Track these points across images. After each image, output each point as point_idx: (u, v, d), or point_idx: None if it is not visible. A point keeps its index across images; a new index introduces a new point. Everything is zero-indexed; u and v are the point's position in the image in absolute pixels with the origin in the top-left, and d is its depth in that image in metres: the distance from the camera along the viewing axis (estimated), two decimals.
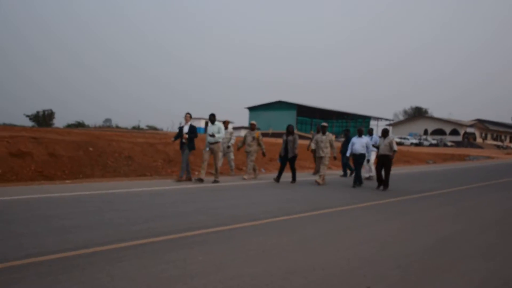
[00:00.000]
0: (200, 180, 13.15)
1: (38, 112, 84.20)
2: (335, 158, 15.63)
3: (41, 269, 4.59)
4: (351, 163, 16.93)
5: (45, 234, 6.13)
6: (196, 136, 13.67)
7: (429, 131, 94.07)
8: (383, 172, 13.68)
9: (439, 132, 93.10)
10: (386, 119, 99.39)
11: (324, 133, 15.07)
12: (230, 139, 15.99)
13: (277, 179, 14.59)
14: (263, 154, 16.00)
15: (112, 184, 11.75)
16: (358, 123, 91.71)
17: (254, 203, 10.06)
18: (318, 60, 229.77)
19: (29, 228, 6.46)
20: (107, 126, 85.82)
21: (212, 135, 13.21)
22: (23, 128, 29.83)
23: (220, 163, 15.07)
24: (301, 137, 47.95)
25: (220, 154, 14.21)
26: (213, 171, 14.33)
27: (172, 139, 14.64)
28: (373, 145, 14.97)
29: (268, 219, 7.97)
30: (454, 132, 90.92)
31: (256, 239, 6.50)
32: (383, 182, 13.68)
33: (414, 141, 72.74)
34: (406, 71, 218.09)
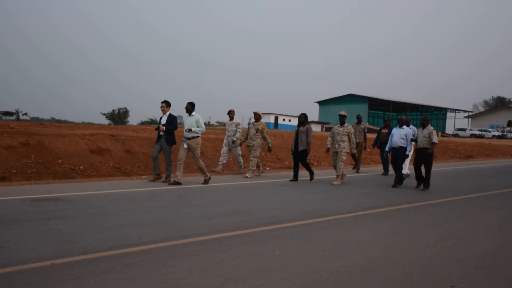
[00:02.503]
0: (177, 183, 11.04)
1: (113, 111, 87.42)
2: (353, 154, 13.52)
3: (126, 260, 4.82)
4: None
5: (126, 227, 6.41)
6: (175, 128, 11.65)
7: None
8: (422, 169, 12.00)
9: None
10: (465, 111, 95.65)
11: (342, 124, 12.85)
12: (235, 131, 13.93)
13: (294, 178, 12.92)
14: (269, 149, 14.28)
15: (185, 179, 11.98)
16: (434, 116, 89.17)
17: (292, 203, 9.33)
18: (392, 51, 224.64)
19: (111, 221, 6.76)
20: (179, 122, 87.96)
21: (189, 130, 11.28)
22: (101, 126, 31.00)
23: (225, 159, 14.06)
24: (373, 131, 47.20)
25: (198, 152, 11.49)
26: (216, 169, 13.74)
27: (155, 128, 12.15)
28: (411, 139, 12.59)
29: (326, 217, 7.79)
30: None
31: (332, 234, 6.47)
32: (423, 180, 12.02)
33: (497, 133, 69.65)
34: (493, 61, 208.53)
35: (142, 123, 73.26)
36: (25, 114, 62.38)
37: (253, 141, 13.52)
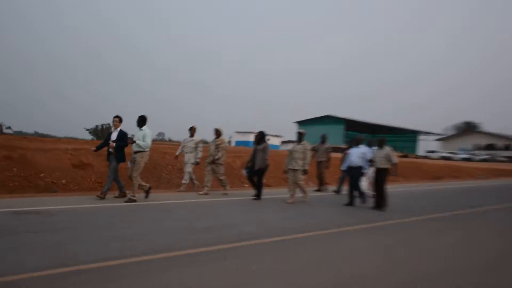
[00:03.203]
0: (131, 200, 10.41)
1: (97, 126, 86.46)
2: (305, 172, 12.34)
3: (107, 272, 4.96)
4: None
5: (107, 241, 6.46)
6: (126, 144, 10.76)
7: (481, 145, 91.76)
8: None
9: (490, 147, 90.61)
10: (435, 134, 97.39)
11: (300, 141, 12.22)
12: (196, 148, 13.41)
13: (257, 196, 12.41)
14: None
15: (166, 196, 12.16)
16: (407, 137, 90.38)
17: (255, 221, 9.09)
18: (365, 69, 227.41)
19: (92, 235, 6.85)
20: (160, 139, 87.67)
21: (133, 142, 10.64)
22: (85, 141, 30.81)
23: (187, 176, 13.41)
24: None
25: (140, 166, 10.68)
26: (181, 188, 13.37)
27: (93, 148, 11.52)
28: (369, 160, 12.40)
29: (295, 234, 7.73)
30: (507, 148, 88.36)
31: (306, 250, 6.76)
32: (379, 200, 11.71)
33: (464, 155, 71.15)
34: (461, 87, 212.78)
35: None
36: (9, 127, 61.39)
37: (213, 157, 13.04)
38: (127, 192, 10.99)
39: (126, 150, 11.07)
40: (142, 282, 4.63)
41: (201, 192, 12.95)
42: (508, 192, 20.78)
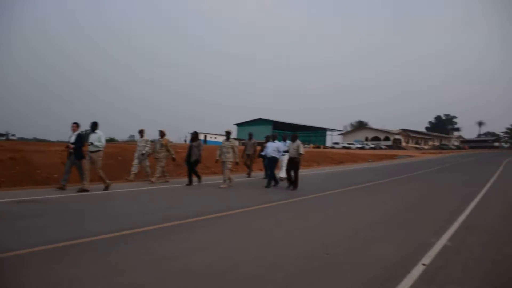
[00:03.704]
0: (84, 190, 9.69)
1: (81, 131, 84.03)
2: (237, 163, 12.26)
3: (91, 246, 4.66)
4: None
5: (88, 222, 6.15)
6: (83, 145, 10.15)
7: (369, 138, 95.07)
8: (292, 173, 11.44)
9: (376, 139, 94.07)
10: (338, 130, 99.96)
11: (228, 139, 11.93)
12: (145, 146, 12.73)
13: (189, 183, 11.93)
14: (173, 159, 12.97)
15: (134, 184, 11.74)
16: (318, 133, 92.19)
17: (200, 202, 8.71)
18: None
19: (77, 217, 6.49)
20: (132, 140, 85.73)
21: (91, 144, 10.09)
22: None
23: (136, 169, 12.66)
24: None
25: (99, 163, 10.09)
26: (129, 177, 12.49)
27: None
28: (285, 151, 12.30)
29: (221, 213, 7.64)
30: (386, 139, 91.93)
31: (243, 222, 6.60)
32: (293, 182, 11.39)
33: (359, 145, 73.42)
34: (355, 94, 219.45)
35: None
36: (14, 135, 58.70)
37: (159, 154, 12.49)
38: (82, 183, 9.93)
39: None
40: (117, 251, 4.41)
41: (152, 179, 12.24)
42: (388, 171, 21.48)
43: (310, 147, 63.98)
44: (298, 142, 11.43)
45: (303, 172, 19.20)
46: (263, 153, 13.36)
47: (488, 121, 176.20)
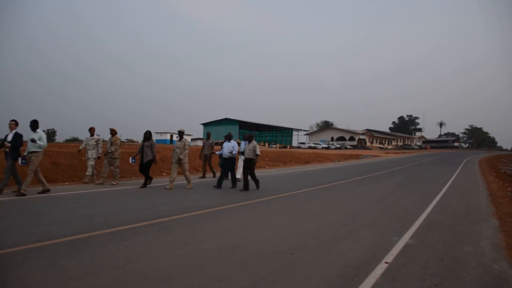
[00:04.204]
0: (21, 194, 8.79)
1: (43, 130, 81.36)
2: (179, 160, 11.22)
3: (48, 249, 4.47)
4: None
5: (50, 224, 5.89)
6: (21, 144, 9.38)
7: (335, 138, 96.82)
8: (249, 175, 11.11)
9: (341, 139, 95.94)
10: (304, 130, 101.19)
11: (181, 139, 11.37)
12: (96, 147, 12.04)
13: (144, 185, 11.29)
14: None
15: (71, 187, 11.31)
16: (284, 133, 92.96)
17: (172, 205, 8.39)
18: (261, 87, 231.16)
19: (39, 220, 6.20)
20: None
21: (33, 141, 9.19)
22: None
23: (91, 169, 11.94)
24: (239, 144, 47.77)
25: (36, 164, 9.22)
26: (85, 179, 11.85)
27: None
28: (239, 151, 12.04)
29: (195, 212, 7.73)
30: (352, 139, 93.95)
31: (205, 223, 6.52)
32: (254, 182, 11.16)
33: (324, 145, 74.54)
34: (320, 95, 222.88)
35: (67, 141, 68.18)
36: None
37: (113, 154, 11.76)
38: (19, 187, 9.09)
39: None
40: (95, 250, 4.17)
41: (97, 181, 11.77)
42: (353, 170, 21.87)
43: (276, 147, 64.43)
44: (254, 142, 11.17)
45: (269, 171, 19.26)
46: (217, 153, 13.04)
47: (448, 122, 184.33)
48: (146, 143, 11.38)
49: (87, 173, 11.99)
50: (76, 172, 13.16)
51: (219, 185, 11.45)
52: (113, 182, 11.65)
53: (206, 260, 4.34)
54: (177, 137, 11.68)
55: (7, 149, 9.11)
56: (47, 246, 4.66)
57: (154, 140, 11.76)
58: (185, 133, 12.27)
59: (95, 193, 9.87)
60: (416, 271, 4.21)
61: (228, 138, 12.40)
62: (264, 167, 22.19)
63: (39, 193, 9.34)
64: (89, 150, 12.04)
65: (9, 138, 9.23)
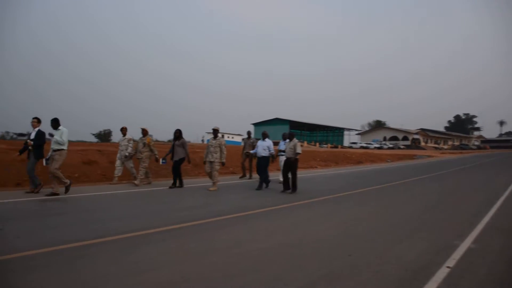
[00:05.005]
0: (54, 194, 8.66)
1: (100, 131, 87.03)
2: (223, 164, 10.83)
3: (108, 245, 4.68)
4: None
5: (108, 220, 6.21)
6: (44, 142, 9.16)
7: (387, 138, 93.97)
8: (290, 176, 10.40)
9: (394, 138, 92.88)
10: (355, 130, 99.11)
11: (215, 137, 10.71)
12: (127, 146, 11.58)
13: (173, 185, 10.93)
14: (156, 160, 11.53)
15: (111, 187, 11.58)
16: (335, 133, 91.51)
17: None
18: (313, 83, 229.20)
19: (97, 216, 6.58)
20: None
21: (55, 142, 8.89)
22: (91, 143, 30.43)
23: (119, 172, 11.62)
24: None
25: (59, 163, 8.88)
26: (113, 181, 11.54)
27: (17, 153, 9.62)
28: (280, 150, 11.61)
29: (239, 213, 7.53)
30: (405, 138, 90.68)
31: (258, 222, 6.55)
32: (291, 185, 10.29)
33: (377, 145, 72.57)
34: (373, 96, 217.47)
35: None
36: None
37: (141, 153, 11.42)
38: (51, 187, 8.93)
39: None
40: (155, 247, 4.43)
41: (144, 183, 11.52)
42: (408, 171, 21.12)
43: (327, 147, 63.61)
44: (295, 141, 10.40)
45: (321, 172, 19.06)
46: (252, 152, 12.36)
47: (510, 121, 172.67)
48: (177, 142, 11.03)
49: (116, 174, 11.65)
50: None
51: (260, 187, 10.99)
52: (135, 182, 11.27)
53: (262, 259, 4.34)
54: (211, 136, 10.97)
55: (30, 147, 9.04)
56: (107, 242, 4.87)
57: (184, 139, 11.35)
58: (236, 133, 11.99)
59: (136, 193, 9.92)
60: (480, 277, 3.98)
61: (263, 136, 11.83)
62: (316, 167, 21.99)
63: (27, 192, 9.06)
64: (121, 150, 11.68)
65: (32, 136, 9.13)
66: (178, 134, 11.15)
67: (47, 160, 9.04)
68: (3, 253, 4.26)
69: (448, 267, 4.21)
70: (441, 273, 4.00)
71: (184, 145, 11.03)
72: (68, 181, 9.02)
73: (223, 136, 57.20)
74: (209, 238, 5.20)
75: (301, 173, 16.17)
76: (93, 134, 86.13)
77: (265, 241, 5.13)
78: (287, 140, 10.76)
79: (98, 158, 14.70)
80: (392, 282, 3.73)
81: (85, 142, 36.77)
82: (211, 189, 10.47)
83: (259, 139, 12.03)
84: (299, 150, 10.20)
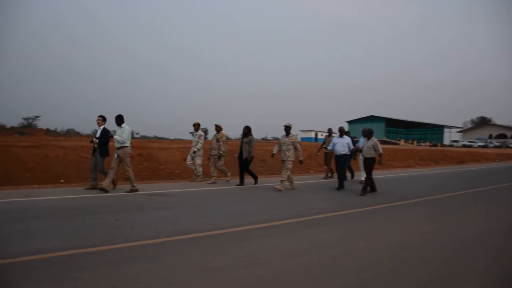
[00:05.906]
0: (104, 190, 8.54)
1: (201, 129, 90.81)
2: (301, 162, 10.16)
3: (217, 239, 4.97)
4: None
5: (213, 215, 6.53)
6: (108, 140, 9.12)
7: (493, 135, 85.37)
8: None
9: (501, 136, 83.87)
10: (457, 127, 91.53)
11: (287, 135, 10.10)
12: (197, 142, 11.15)
13: (240, 183, 10.61)
14: (219, 157, 11.01)
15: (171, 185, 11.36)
16: (434, 131, 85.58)
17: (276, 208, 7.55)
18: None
19: (202, 211, 6.88)
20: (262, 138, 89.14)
21: (112, 133, 9.05)
22: (189, 141, 32.03)
23: (200, 168, 11.34)
24: (386, 142, 44.76)
25: (127, 161, 8.96)
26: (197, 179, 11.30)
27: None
28: (354, 148, 10.80)
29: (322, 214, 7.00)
30: None
31: (358, 222, 6.53)
32: (368, 185, 9.59)
33: (481, 143, 66.47)
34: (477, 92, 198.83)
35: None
36: (137, 133, 64.24)
37: (214, 150, 11.02)
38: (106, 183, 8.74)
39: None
40: (259, 241, 4.64)
41: (209, 181, 11.07)
42: None
43: (426, 145, 59.90)
44: (374, 139, 9.55)
45: (420, 171, 18.14)
46: (329, 148, 11.34)
47: None
48: (245, 139, 10.60)
49: (197, 172, 11.45)
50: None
51: (340, 187, 10.40)
52: (227, 179, 11.19)
53: (366, 258, 4.27)
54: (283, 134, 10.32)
55: (95, 145, 9.04)
56: (216, 235, 5.05)
57: (253, 136, 10.76)
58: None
59: (222, 191, 9.74)
60: None
61: (341, 133, 11.04)
62: (414, 166, 20.98)
63: (87, 188, 9.16)
64: (193, 146, 11.37)
65: (98, 134, 9.18)
66: (246, 131, 10.69)
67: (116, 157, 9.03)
68: (131, 240, 4.81)
69: None
70: None
71: (251, 142, 10.57)
72: (111, 186, 8.90)
73: (316, 135, 56.51)
74: (310, 236, 5.20)
75: (401, 172, 15.63)
76: (191, 133, 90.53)
77: (367, 240, 5.08)
78: (365, 138, 9.91)
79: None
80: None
81: (184, 140, 39.22)
82: (276, 187, 9.90)
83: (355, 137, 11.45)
84: (380, 149, 9.45)
